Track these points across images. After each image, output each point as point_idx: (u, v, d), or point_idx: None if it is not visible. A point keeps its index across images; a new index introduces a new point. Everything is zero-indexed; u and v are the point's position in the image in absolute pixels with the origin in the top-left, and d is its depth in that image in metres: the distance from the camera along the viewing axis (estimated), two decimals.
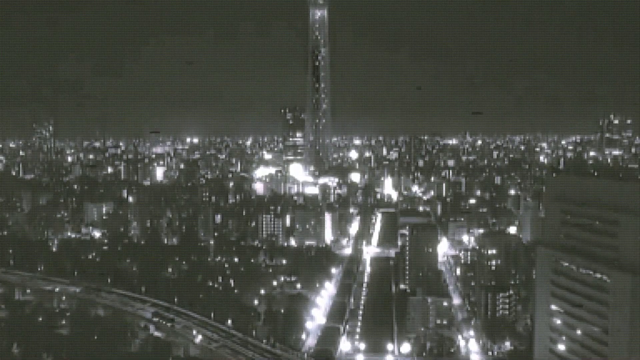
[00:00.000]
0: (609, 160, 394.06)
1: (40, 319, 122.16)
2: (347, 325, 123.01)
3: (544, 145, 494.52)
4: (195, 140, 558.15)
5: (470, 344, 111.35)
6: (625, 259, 73.39)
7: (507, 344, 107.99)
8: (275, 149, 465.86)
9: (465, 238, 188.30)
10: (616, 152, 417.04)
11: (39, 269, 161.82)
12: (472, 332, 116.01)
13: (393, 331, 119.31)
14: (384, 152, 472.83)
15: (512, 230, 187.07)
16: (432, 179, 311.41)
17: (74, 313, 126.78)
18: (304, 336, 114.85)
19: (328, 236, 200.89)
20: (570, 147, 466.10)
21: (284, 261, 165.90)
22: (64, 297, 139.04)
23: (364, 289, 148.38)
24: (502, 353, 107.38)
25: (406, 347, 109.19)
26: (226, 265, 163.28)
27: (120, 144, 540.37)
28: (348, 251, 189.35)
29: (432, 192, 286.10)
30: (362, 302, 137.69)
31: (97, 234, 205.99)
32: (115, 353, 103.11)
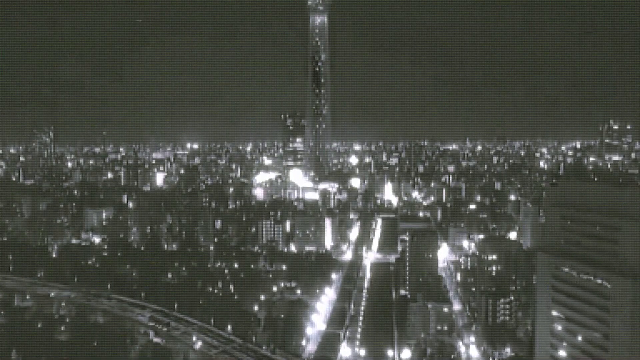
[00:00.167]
0: (609, 166, 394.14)
1: (40, 325, 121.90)
2: (348, 331, 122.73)
3: (544, 150, 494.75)
4: (196, 146, 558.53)
5: (470, 350, 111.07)
6: (626, 265, 73.32)
7: (508, 350, 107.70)
8: (275, 154, 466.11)
9: (465, 243, 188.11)
10: (616, 158, 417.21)
11: (38, 275, 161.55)
12: (472, 338, 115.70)
13: (393, 337, 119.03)
14: (384, 157, 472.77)
15: (513, 235, 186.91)
16: (432, 184, 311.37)
17: (74, 319, 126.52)
18: (304, 342, 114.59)
19: (328, 242, 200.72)
20: (570, 153, 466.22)
21: (284, 267, 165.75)
22: (63, 303, 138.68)
23: (364, 294, 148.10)
24: (502, 359, 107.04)
25: (407, 354, 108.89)
26: (226, 271, 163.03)
27: (121, 149, 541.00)
28: (348, 257, 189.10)
29: (432, 198, 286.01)
30: (363, 307, 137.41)
31: (97, 239, 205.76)
32: (114, 359, 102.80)
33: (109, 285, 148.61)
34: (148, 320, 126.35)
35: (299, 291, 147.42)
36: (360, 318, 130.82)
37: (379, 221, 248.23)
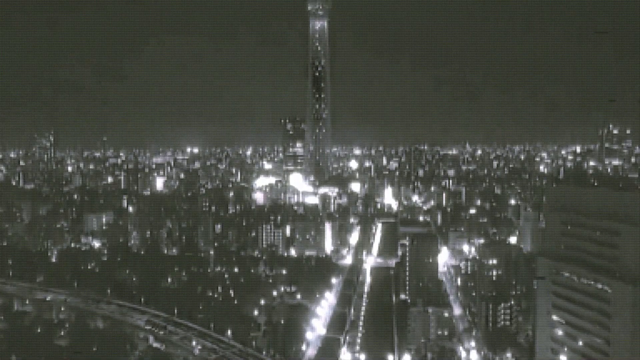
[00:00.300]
0: (609, 170, 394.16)
1: (39, 330, 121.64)
2: (348, 336, 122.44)
3: (544, 154, 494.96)
4: (196, 150, 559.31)
5: (471, 355, 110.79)
6: (626, 269, 73.34)
7: (509, 355, 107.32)
8: (275, 158, 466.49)
9: (465, 248, 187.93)
10: (616, 162, 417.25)
11: (38, 280, 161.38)
12: (473, 343, 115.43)
13: (393, 342, 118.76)
14: (384, 161, 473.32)
15: (513, 240, 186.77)
16: (432, 188, 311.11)
17: (73, 324, 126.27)
18: (304, 347, 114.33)
19: (328, 246, 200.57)
20: (570, 157, 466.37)
21: (284, 271, 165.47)
22: (63, 308, 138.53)
23: (364, 299, 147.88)
24: None
25: (407, 358, 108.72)
26: (226, 276, 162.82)
27: (121, 153, 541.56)
28: (348, 261, 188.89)
29: (432, 202, 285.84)
30: (363, 312, 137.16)
31: (96, 244, 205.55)
32: None
33: (108, 290, 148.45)
34: (145, 324, 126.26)
35: (299, 296, 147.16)
36: (361, 323, 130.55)
37: (379, 225, 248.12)
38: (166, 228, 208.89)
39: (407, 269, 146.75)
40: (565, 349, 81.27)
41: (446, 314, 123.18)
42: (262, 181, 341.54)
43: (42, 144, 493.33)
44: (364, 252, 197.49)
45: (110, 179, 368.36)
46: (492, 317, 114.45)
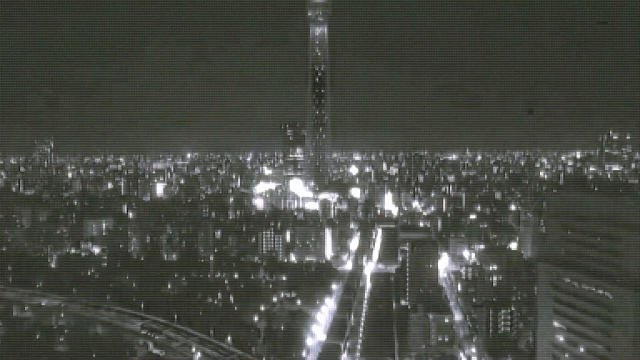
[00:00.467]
0: (609, 176, 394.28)
1: (39, 336, 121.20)
2: (348, 342, 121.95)
3: (544, 160, 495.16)
4: (196, 156, 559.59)
5: None
6: (627, 275, 73.12)
7: None
8: (276, 164, 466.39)
9: (466, 254, 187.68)
10: (616, 168, 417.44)
11: (37, 286, 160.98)
12: (473, 350, 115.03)
13: (394, 348, 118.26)
14: (384, 167, 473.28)
15: (513, 246, 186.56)
16: (432, 194, 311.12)
17: (73, 330, 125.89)
18: (304, 353, 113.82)
19: (328, 252, 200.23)
20: (570, 163, 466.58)
21: (284, 277, 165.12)
22: (62, 314, 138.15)
23: (364, 305, 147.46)
24: None
25: None
26: (226, 282, 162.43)
27: (121, 159, 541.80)
28: (348, 267, 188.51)
29: (432, 208, 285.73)
30: (363, 318, 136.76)
31: (96, 250, 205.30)
32: None
33: (108, 296, 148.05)
34: (140, 329, 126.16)
35: (299, 302, 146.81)
36: (361, 329, 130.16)
37: (379, 231, 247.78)
38: (166, 234, 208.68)
39: (408, 274, 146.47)
40: (567, 355, 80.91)
41: (447, 320, 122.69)
42: (262, 187, 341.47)
43: (42, 150, 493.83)
44: (364, 258, 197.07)
45: (110, 185, 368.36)
46: (492, 323, 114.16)
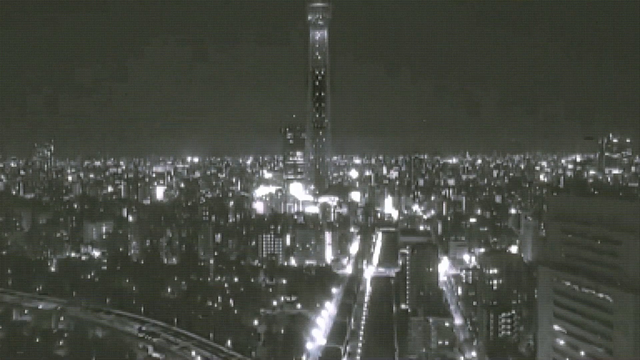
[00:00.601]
0: (609, 179, 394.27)
1: (38, 339, 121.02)
2: (348, 346, 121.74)
3: (544, 163, 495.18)
4: (196, 159, 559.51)
5: None
6: (628, 278, 73.06)
7: None
8: (276, 168, 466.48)
9: (466, 257, 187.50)
10: (616, 171, 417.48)
11: (37, 289, 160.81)
12: (474, 353, 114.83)
13: (394, 352, 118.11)
14: (384, 171, 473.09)
15: (513, 249, 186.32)
16: (433, 197, 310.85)
17: (72, 334, 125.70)
18: (304, 357, 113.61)
19: (328, 255, 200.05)
20: (570, 166, 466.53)
21: (284, 281, 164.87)
22: (62, 318, 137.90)
23: (364, 309, 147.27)
24: None
25: None
26: (226, 285, 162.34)
27: (121, 162, 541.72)
28: (348, 271, 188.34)
29: (432, 211, 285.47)
30: (363, 322, 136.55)
31: (96, 253, 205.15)
32: None
33: (107, 300, 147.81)
34: (138, 332, 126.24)
35: (299, 305, 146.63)
36: (361, 333, 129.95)
37: (379, 235, 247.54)
38: (166, 237, 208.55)
39: (408, 278, 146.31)
40: (567, 358, 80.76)
41: (447, 324, 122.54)
42: (262, 190, 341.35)
43: (43, 154, 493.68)
44: (364, 262, 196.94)
45: (110, 188, 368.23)
46: (493, 327, 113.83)
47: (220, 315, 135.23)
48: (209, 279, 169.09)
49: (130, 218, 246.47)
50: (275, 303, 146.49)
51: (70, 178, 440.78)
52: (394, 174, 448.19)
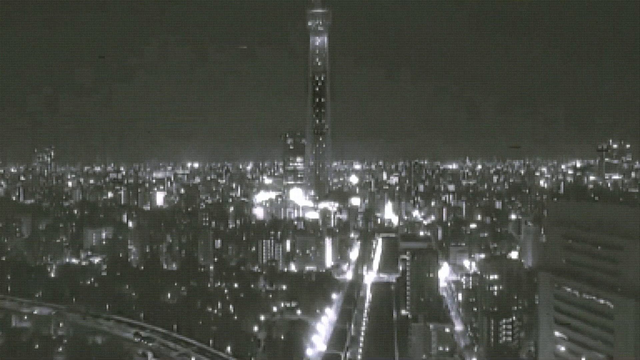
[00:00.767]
0: (609, 185, 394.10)
1: (37, 346, 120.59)
2: (348, 353, 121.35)
3: (544, 169, 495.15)
4: (196, 165, 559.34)
5: None
6: (629, 284, 72.92)
7: None
8: (276, 173, 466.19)
9: (466, 263, 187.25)
10: (616, 177, 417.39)
11: (37, 295, 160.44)
12: None
13: (395, 358, 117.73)
14: (384, 176, 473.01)
15: (514, 255, 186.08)
16: (433, 203, 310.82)
17: (71, 340, 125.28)
18: None
19: (328, 261, 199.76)
20: (570, 172, 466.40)
21: (284, 287, 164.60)
22: (61, 324, 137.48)
23: (364, 315, 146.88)
24: None
25: None
26: (226, 291, 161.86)
27: (121, 168, 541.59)
28: (349, 276, 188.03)
29: (432, 217, 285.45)
30: (363, 328, 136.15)
31: (96, 259, 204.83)
32: None
33: (107, 306, 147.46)
34: (133, 336, 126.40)
35: (299, 311, 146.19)
36: (361, 339, 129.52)
37: (380, 240, 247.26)
38: (166, 243, 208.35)
39: (408, 284, 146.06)
40: None
41: (447, 330, 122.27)
42: (262, 196, 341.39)
43: (43, 159, 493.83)
44: (365, 268, 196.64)
45: (110, 194, 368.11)
46: (494, 333, 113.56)
47: (220, 321, 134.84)
48: (208, 285, 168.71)
49: (130, 224, 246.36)
50: (275, 309, 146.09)
51: (70, 184, 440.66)
52: (394, 179, 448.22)
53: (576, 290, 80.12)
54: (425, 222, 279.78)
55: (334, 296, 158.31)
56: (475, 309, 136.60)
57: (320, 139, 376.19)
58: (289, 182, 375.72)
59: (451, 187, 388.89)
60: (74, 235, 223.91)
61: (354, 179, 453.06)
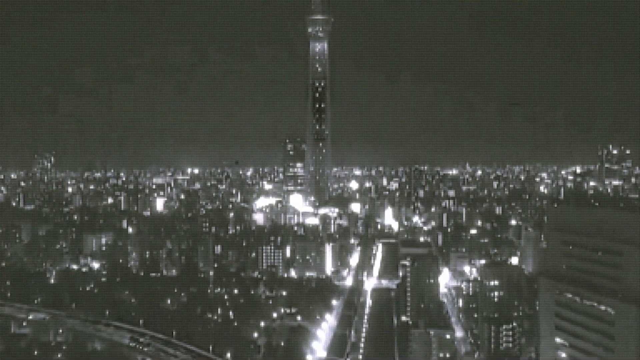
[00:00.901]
0: (609, 191, 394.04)
1: (36, 352, 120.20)
2: (349, 359, 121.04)
3: (544, 175, 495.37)
4: (196, 171, 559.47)
5: None
6: (629, 290, 72.74)
7: None
8: (276, 179, 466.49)
9: (466, 269, 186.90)
10: (616, 182, 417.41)
11: (36, 301, 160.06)
12: None
13: None
14: (384, 182, 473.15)
15: (514, 260, 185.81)
16: (433, 209, 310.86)
17: (71, 346, 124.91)
18: None
19: (328, 267, 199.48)
20: (570, 177, 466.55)
21: (284, 293, 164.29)
22: (60, 330, 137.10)
23: (365, 321, 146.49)
24: None
25: None
26: (226, 297, 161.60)
27: (121, 174, 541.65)
28: (349, 282, 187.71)
29: (432, 223, 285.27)
30: (363, 334, 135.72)
31: (96, 265, 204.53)
32: None
33: (107, 312, 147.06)
34: (129, 341, 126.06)
35: (299, 317, 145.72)
36: (362, 345, 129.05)
37: (380, 246, 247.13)
38: (166, 249, 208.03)
39: (408, 290, 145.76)
40: None
41: (448, 336, 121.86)
42: (262, 202, 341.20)
43: (43, 165, 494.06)
44: (365, 273, 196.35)
45: (110, 200, 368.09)
46: (494, 339, 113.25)
47: (220, 327, 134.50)
48: (208, 291, 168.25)
49: (130, 229, 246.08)
50: (275, 315, 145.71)
51: (70, 189, 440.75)
52: (394, 185, 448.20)
53: (577, 296, 79.95)
54: (425, 228, 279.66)
55: (334, 302, 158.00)
56: (475, 315, 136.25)
57: (320, 144, 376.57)
58: (289, 188, 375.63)
59: (451, 193, 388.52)
60: (73, 241, 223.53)
61: (354, 185, 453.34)
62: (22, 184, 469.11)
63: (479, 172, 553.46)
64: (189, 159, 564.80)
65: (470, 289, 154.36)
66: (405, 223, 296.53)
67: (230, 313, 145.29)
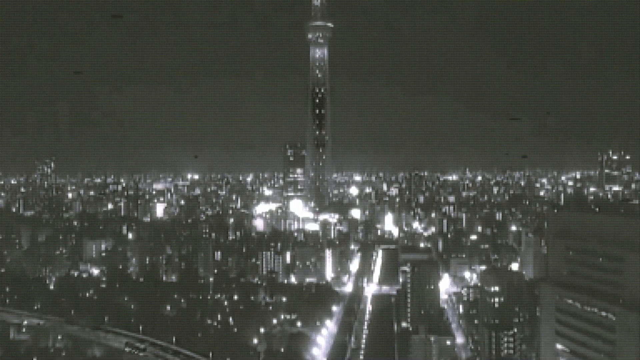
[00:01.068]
0: (609, 196, 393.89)
1: (35, 358, 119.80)
2: None
3: (544, 181, 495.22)
4: (196, 177, 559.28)
5: None
6: (630, 296, 72.62)
7: None
8: (276, 185, 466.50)
9: (467, 275, 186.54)
10: (616, 188, 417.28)
11: (36, 307, 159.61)
12: None
13: None
14: (384, 188, 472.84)
15: (514, 266, 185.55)
16: (433, 215, 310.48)
17: (70, 352, 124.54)
18: None
19: (329, 273, 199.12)
20: (570, 183, 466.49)
21: (284, 299, 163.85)
22: (60, 336, 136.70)
23: (365, 327, 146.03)
24: None
25: None
26: (225, 303, 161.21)
27: (121, 180, 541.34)
28: (349, 288, 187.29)
29: (432, 228, 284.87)
30: (364, 340, 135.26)
31: (95, 271, 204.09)
32: None
33: (106, 318, 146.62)
34: (125, 347, 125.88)
35: (299, 323, 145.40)
36: (362, 351, 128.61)
37: (380, 252, 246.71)
38: (166, 255, 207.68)
39: (409, 296, 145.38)
40: None
41: (448, 342, 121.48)
42: (262, 207, 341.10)
43: (43, 171, 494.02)
44: (365, 279, 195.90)
45: (110, 206, 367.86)
46: (495, 345, 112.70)
47: (220, 334, 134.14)
48: (208, 297, 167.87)
49: (130, 235, 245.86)
50: (275, 321, 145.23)
51: (70, 195, 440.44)
52: (394, 191, 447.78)
53: (577, 302, 79.79)
54: (425, 234, 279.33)
55: (334, 308, 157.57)
56: (476, 321, 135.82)
57: (321, 150, 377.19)
58: (289, 194, 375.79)
59: (451, 199, 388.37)
60: (73, 247, 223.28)
61: (354, 191, 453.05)
62: (22, 189, 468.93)
63: (479, 178, 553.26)
64: (189, 165, 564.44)
65: (471, 295, 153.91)
66: (406, 229, 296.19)
67: (230, 319, 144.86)
